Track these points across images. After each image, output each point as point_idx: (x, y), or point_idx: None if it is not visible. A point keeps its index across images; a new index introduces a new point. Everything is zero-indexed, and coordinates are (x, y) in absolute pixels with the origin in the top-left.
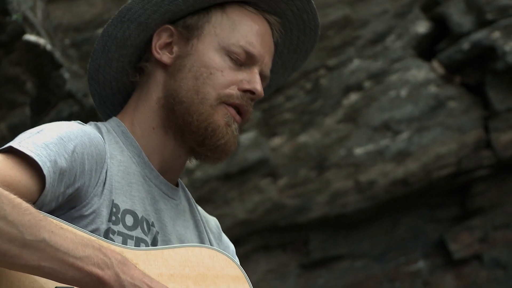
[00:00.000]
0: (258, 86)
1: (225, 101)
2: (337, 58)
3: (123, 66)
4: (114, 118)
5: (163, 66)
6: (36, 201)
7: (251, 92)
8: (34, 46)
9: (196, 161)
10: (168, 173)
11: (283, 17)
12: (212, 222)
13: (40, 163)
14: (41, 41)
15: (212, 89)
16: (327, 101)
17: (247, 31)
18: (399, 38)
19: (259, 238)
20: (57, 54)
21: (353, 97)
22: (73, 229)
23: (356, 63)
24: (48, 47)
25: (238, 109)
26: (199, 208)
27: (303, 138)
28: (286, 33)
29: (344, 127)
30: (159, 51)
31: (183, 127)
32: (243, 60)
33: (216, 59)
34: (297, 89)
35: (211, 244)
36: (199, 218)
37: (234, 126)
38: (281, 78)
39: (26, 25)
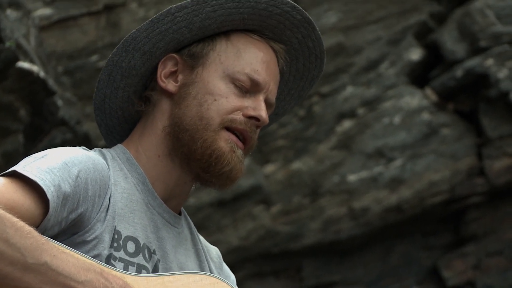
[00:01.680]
0: (263, 113)
1: (228, 126)
2: (330, 85)
3: (128, 95)
4: (119, 145)
5: (169, 94)
6: (39, 225)
7: (256, 119)
8: (27, 73)
9: (202, 186)
10: (172, 201)
11: (289, 44)
12: (213, 251)
13: (44, 187)
14: (34, 68)
15: (216, 114)
16: (321, 128)
17: (252, 58)
18: (393, 65)
19: (252, 265)
20: (50, 82)
21: (347, 124)
22: (75, 253)
23: (349, 90)
24: (41, 74)
25: (242, 135)
26: (201, 237)
27: (296, 165)
28: (291, 61)
29: (337, 154)
30: (164, 79)
31: (188, 155)
32: (248, 88)
33: (221, 86)
34: (291, 116)
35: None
36: (200, 247)
37: (239, 152)
38: (287, 105)
39: (20, 52)
